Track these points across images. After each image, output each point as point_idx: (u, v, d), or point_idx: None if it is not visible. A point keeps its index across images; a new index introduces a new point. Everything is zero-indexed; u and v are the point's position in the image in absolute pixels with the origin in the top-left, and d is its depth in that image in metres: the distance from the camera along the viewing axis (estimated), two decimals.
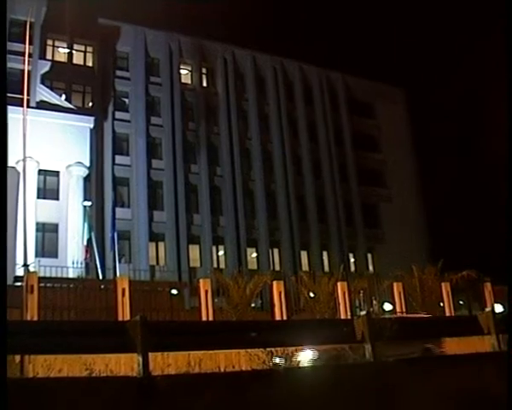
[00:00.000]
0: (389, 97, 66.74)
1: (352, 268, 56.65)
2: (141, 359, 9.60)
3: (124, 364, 12.32)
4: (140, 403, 8.82)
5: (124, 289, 22.40)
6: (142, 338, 9.69)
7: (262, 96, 60.44)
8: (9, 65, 43.92)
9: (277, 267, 53.40)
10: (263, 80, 61.02)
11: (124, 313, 20.98)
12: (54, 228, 44.36)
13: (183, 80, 57.31)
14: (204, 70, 59.15)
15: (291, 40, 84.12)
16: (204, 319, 23.18)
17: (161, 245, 50.94)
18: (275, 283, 27.02)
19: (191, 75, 58.25)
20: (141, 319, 9.97)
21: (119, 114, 52.04)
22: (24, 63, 41.98)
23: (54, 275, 28.19)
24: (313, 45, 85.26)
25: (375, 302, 32.97)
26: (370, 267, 58.84)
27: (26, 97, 39.00)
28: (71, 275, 36.57)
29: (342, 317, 25.41)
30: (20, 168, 41.44)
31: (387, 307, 32.67)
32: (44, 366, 10.65)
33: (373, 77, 64.01)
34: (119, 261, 41.76)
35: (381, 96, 65.82)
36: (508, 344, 9.24)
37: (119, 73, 53.70)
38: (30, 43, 43.52)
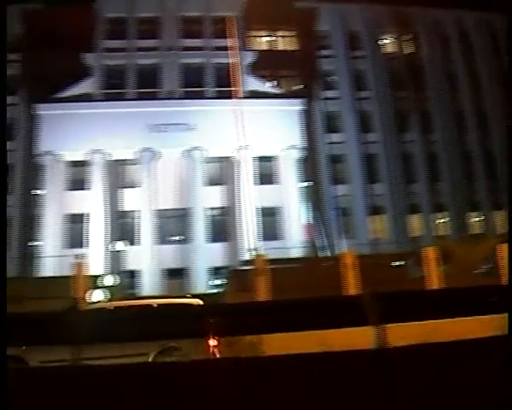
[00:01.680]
0: None
1: None
2: (376, 331, 9.38)
3: (357, 337, 12.13)
4: (378, 376, 8.53)
5: (348, 264, 22.37)
6: (375, 311, 9.46)
7: (470, 56, 57.49)
8: (216, 60, 46.18)
9: (502, 230, 50.79)
10: (467, 39, 58.00)
11: (351, 288, 20.92)
12: (274, 212, 45.31)
13: (385, 49, 56.25)
14: (406, 36, 57.49)
15: None
16: (431, 287, 22.54)
17: (381, 217, 50.41)
18: (502, 246, 25.69)
19: (393, 43, 56.97)
20: (373, 292, 9.76)
21: (327, 93, 52.19)
22: (230, 57, 43.52)
23: (278, 257, 28.77)
24: None
25: None
26: None
27: (236, 89, 40.30)
28: (294, 255, 37.33)
29: None
30: (237, 157, 43.10)
31: None
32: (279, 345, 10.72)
33: None
34: (341, 237, 41.95)
35: None
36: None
37: (322, 52, 53.74)
38: (233, 37, 44.97)
